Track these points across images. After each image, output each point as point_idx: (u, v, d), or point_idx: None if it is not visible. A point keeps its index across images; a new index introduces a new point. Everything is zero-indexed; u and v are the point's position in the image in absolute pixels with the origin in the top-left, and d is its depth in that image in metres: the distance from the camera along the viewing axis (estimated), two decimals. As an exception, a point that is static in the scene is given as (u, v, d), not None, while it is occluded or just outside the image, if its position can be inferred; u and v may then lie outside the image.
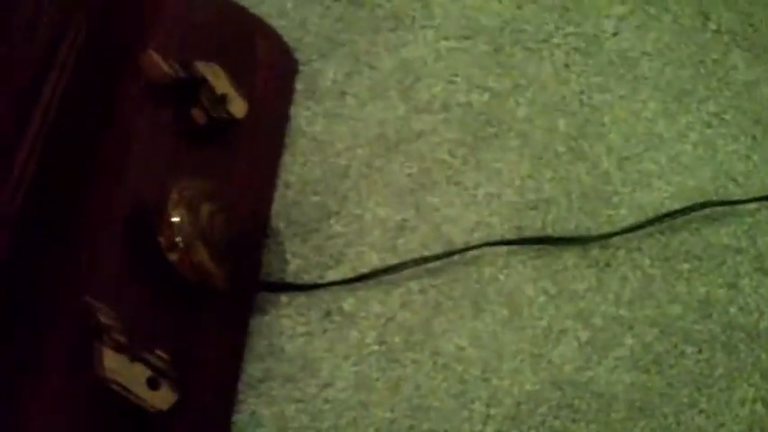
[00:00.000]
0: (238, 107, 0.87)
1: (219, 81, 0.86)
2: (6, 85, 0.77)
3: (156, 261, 0.77)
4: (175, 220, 0.76)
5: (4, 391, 0.69)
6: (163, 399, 0.72)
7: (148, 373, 0.72)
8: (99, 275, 0.74)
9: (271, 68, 0.95)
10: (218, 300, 0.83)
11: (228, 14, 0.94)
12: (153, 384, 0.72)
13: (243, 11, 0.96)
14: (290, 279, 0.88)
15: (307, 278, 0.88)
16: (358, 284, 0.87)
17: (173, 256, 0.77)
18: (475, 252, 0.88)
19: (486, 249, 0.88)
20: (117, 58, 0.86)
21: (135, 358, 0.71)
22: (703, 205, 0.88)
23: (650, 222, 0.88)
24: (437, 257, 0.88)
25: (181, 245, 0.76)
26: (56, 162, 0.81)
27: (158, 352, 0.73)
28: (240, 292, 0.86)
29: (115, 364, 0.70)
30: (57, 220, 0.78)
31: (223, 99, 0.86)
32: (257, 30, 0.96)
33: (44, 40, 0.81)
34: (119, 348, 0.70)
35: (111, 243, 0.76)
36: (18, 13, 0.78)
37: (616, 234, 0.87)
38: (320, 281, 0.88)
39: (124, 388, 0.70)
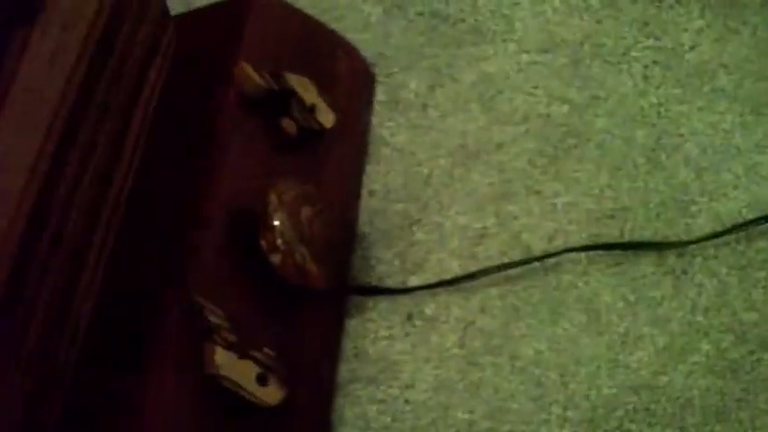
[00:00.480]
0: (327, 117, 0.90)
1: (308, 92, 0.90)
2: (106, 101, 0.80)
3: (258, 263, 0.80)
4: (276, 223, 0.79)
5: (119, 391, 0.72)
6: (272, 395, 0.75)
7: (257, 369, 0.75)
8: (203, 278, 0.77)
9: (351, 81, 0.98)
10: (318, 301, 0.86)
11: (310, 30, 0.98)
12: (262, 381, 0.75)
13: (323, 26, 0.99)
14: (374, 284, 0.91)
15: (390, 283, 0.91)
16: (439, 290, 0.90)
17: (275, 258, 0.79)
18: (553, 259, 0.90)
19: (565, 256, 0.90)
20: (209, 72, 0.90)
21: (244, 356, 0.74)
22: (781, 215, 0.89)
23: (729, 231, 0.89)
24: (517, 264, 0.90)
25: (282, 247, 0.79)
26: (156, 172, 0.84)
27: (266, 350, 0.76)
28: (338, 294, 0.89)
29: (226, 361, 0.73)
30: (161, 226, 0.81)
31: (312, 109, 0.89)
32: (337, 44, 0.99)
33: (138, 55, 0.85)
34: (228, 346, 0.73)
35: (213, 246, 0.79)
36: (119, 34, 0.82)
37: (694, 242, 0.88)
38: (403, 286, 0.90)
39: (235, 384, 0.73)
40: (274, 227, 0.79)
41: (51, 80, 0.72)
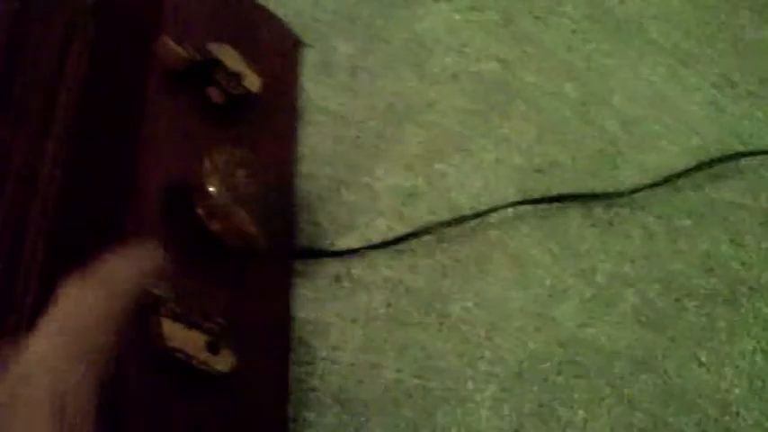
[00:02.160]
0: (253, 82, 0.89)
1: (232, 60, 0.89)
2: (28, 81, 0.80)
3: (199, 232, 0.79)
4: (212, 189, 0.79)
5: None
6: (224, 362, 0.75)
7: (206, 338, 0.75)
8: None
9: (275, 48, 0.98)
10: (263, 264, 0.85)
11: (232, 1, 0.97)
12: (213, 349, 0.75)
13: (241, -5, 0.99)
14: (304, 246, 0.91)
15: (319, 245, 0.91)
16: (367, 250, 0.90)
17: (214, 225, 0.79)
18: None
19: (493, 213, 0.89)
20: (131, 50, 0.90)
21: (192, 325, 0.74)
22: (710, 164, 0.88)
23: (659, 183, 0.88)
24: (446, 224, 0.90)
25: (220, 212, 0.78)
26: (86, 156, 0.84)
27: (214, 318, 0.75)
28: (282, 256, 0.89)
29: (174, 333, 0.72)
30: (96, 208, 0.81)
31: (238, 76, 0.88)
32: (257, 13, 0.99)
33: (56, 37, 0.84)
34: (174, 317, 0.73)
35: (152, 220, 0.79)
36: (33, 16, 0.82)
37: (621, 194, 0.88)
38: (331, 248, 0.90)
39: (186, 354, 0.73)
40: (210, 192, 0.78)
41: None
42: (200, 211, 0.79)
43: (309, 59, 1.00)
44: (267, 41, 0.98)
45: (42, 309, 0.75)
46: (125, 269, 0.53)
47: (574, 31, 0.97)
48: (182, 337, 0.73)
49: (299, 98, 0.98)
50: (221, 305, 0.79)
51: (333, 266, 0.89)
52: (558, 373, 0.83)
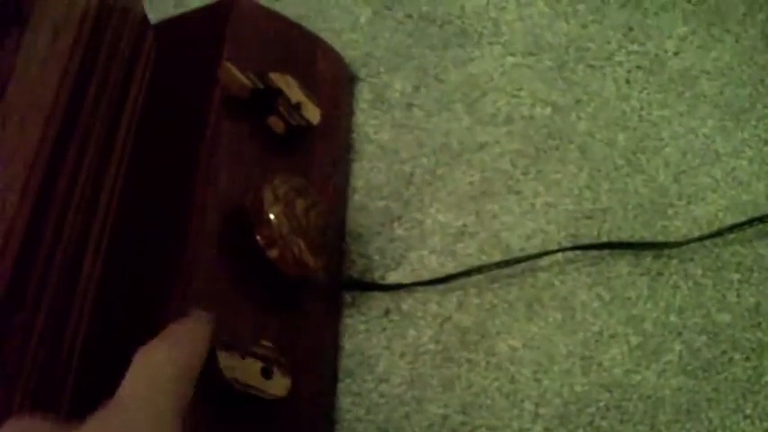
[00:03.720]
0: (313, 114, 0.91)
1: (293, 90, 0.91)
2: (94, 107, 0.81)
3: (255, 260, 0.80)
4: (272, 217, 0.80)
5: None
6: (279, 386, 0.76)
7: (260, 364, 0.75)
8: (199, 281, 0.78)
9: (331, 81, 0.99)
10: (317, 294, 0.87)
11: (289, 32, 0.99)
12: (266, 374, 0.76)
13: (302, 28, 1.00)
14: (354, 278, 0.92)
15: (369, 278, 0.92)
16: (417, 286, 0.91)
17: (272, 253, 0.80)
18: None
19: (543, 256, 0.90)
20: (193, 75, 0.91)
21: (245, 354, 0.75)
22: (761, 219, 0.89)
23: (708, 236, 0.89)
24: (496, 266, 0.91)
25: (279, 240, 0.79)
26: (145, 178, 0.85)
27: (263, 342, 0.76)
28: (334, 286, 0.90)
29: (230, 364, 0.73)
30: (154, 234, 0.82)
31: (298, 107, 0.90)
32: (316, 45, 1.01)
33: (121, 62, 0.86)
34: (228, 347, 0.74)
35: (211, 246, 0.80)
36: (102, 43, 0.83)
37: (671, 245, 0.89)
38: (381, 281, 0.91)
39: (242, 384, 0.74)
40: (270, 220, 0.79)
41: (44, 86, 0.73)
42: (259, 238, 0.80)
43: (363, 94, 1.02)
44: (324, 73, 0.99)
45: (103, 336, 0.76)
46: (191, 334, 0.57)
47: (627, 81, 0.99)
48: (237, 367, 0.74)
49: (352, 132, 0.99)
50: (275, 332, 0.80)
51: (382, 300, 0.90)
52: (603, 418, 0.83)
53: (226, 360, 0.73)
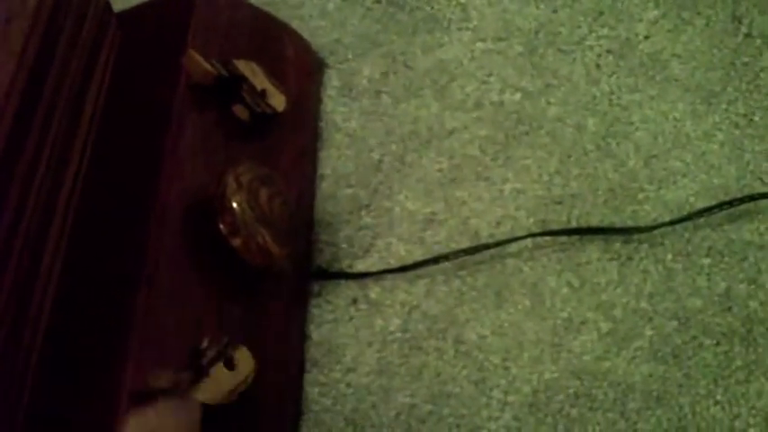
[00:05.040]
0: (278, 101, 0.90)
1: (257, 77, 0.90)
2: (54, 95, 0.80)
3: (219, 249, 0.79)
4: (235, 205, 0.78)
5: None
6: (245, 365, 0.75)
7: (221, 364, 0.74)
8: (163, 269, 0.76)
9: (298, 68, 0.98)
10: (281, 283, 0.85)
11: (255, 19, 0.98)
12: (230, 366, 0.75)
13: (268, 15, 0.99)
14: (322, 267, 0.91)
15: (337, 267, 0.91)
16: (385, 274, 0.90)
17: (235, 242, 0.79)
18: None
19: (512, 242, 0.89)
20: (157, 63, 0.90)
21: (206, 372, 0.73)
22: (731, 203, 0.88)
23: (679, 220, 0.88)
24: (465, 252, 0.90)
25: (242, 229, 0.78)
26: (109, 165, 0.84)
27: (206, 340, 0.75)
28: (300, 275, 0.89)
29: (207, 392, 0.72)
30: (118, 221, 0.81)
31: (263, 94, 0.88)
32: (283, 32, 0.99)
33: (83, 51, 0.84)
34: (195, 382, 0.72)
35: (174, 234, 0.79)
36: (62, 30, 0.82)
37: (641, 229, 0.88)
38: (349, 270, 0.90)
39: (225, 396, 0.73)
40: (233, 209, 0.78)
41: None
42: (222, 227, 0.79)
43: (332, 81, 1.00)
44: (291, 61, 0.98)
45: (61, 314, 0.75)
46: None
47: (597, 66, 0.98)
48: (213, 385, 0.72)
49: (320, 119, 0.98)
50: (238, 321, 0.79)
51: (350, 289, 0.89)
52: (573, 405, 0.82)
53: (203, 394, 0.72)
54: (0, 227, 0.70)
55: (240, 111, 0.87)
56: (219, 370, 0.73)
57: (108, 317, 0.75)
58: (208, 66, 0.86)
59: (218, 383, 0.73)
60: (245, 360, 0.75)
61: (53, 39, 0.80)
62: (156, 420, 0.68)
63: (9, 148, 0.71)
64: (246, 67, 0.89)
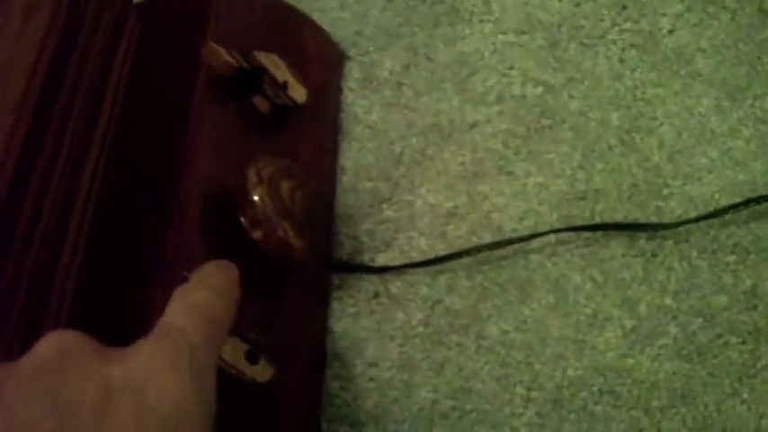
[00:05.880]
0: (299, 93, 0.89)
1: (278, 69, 0.89)
2: (75, 84, 0.79)
3: (239, 242, 0.78)
4: (256, 198, 0.78)
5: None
6: (262, 372, 0.74)
7: (245, 347, 0.74)
8: (185, 264, 0.76)
9: (319, 60, 0.97)
10: (303, 277, 0.85)
11: (275, 10, 0.97)
12: (252, 359, 0.74)
13: (289, 6, 0.98)
14: (343, 261, 0.90)
15: (358, 260, 0.90)
16: (406, 268, 0.89)
17: (256, 234, 0.78)
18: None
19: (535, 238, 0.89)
20: (177, 56, 0.89)
21: (233, 333, 0.73)
22: (758, 200, 0.88)
23: (704, 217, 0.88)
24: (487, 247, 0.89)
25: (264, 222, 0.77)
26: (128, 158, 0.83)
27: (254, 328, 0.74)
28: (322, 269, 0.89)
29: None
30: (137, 213, 0.80)
31: (284, 86, 0.88)
32: (303, 24, 0.99)
33: (102, 43, 0.84)
34: None
35: (194, 227, 0.78)
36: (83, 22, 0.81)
37: (666, 226, 0.87)
38: (370, 264, 0.90)
39: (227, 363, 0.72)
40: (254, 202, 0.77)
41: (16, 67, 0.71)
42: (243, 220, 0.78)
43: (352, 73, 1.00)
44: (312, 53, 0.98)
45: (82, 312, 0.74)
46: (223, 281, 0.61)
47: (621, 60, 0.97)
48: (224, 348, 0.72)
49: (341, 111, 0.97)
50: (260, 315, 0.79)
51: (371, 282, 0.88)
52: (596, 403, 0.82)
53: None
54: (20, 221, 0.69)
55: (261, 103, 0.87)
56: (239, 347, 0.73)
57: (127, 309, 0.75)
58: (228, 57, 0.85)
59: (230, 351, 0.72)
60: (264, 371, 0.75)
61: (73, 31, 0.80)
62: None
63: (28, 142, 0.71)
64: (267, 59, 0.88)
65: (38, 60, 0.74)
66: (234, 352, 0.73)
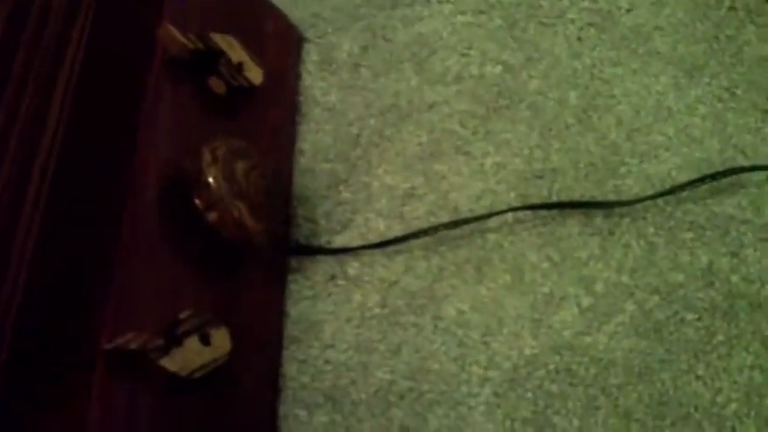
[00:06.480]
0: (255, 74, 0.88)
1: (235, 51, 0.88)
2: (26, 69, 0.78)
3: (196, 224, 0.78)
4: (210, 179, 0.77)
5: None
6: (221, 342, 0.74)
7: (197, 337, 0.73)
8: (139, 245, 0.76)
9: (277, 42, 0.97)
10: (259, 259, 0.84)
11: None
12: (205, 341, 0.74)
13: (245, -14, 0.98)
14: (301, 243, 0.90)
15: (315, 243, 0.90)
16: (364, 249, 0.89)
17: (212, 216, 0.77)
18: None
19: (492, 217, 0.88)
20: (132, 36, 0.88)
21: (178, 341, 0.72)
22: (714, 177, 0.87)
23: (662, 194, 0.87)
24: (445, 227, 0.89)
25: (218, 203, 0.77)
26: (84, 138, 0.83)
27: (183, 313, 0.74)
28: (276, 252, 0.88)
29: (176, 361, 0.71)
30: (92, 194, 0.80)
31: (240, 67, 0.87)
32: (261, 6, 0.98)
33: (57, 21, 0.83)
34: (166, 350, 0.71)
35: (149, 209, 0.78)
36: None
37: (623, 203, 0.87)
38: (327, 245, 0.89)
39: (200, 368, 0.72)
40: (209, 183, 0.77)
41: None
42: (197, 201, 0.77)
43: (311, 55, 0.99)
44: (269, 34, 0.97)
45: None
46: None
47: (579, 39, 0.96)
48: (183, 357, 0.72)
49: (299, 93, 0.97)
50: (214, 297, 0.78)
51: (328, 264, 0.88)
52: (553, 381, 0.82)
53: (172, 363, 0.71)
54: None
55: (217, 84, 0.86)
56: (193, 343, 0.73)
57: (85, 285, 0.74)
58: (184, 39, 0.85)
59: (189, 355, 0.72)
60: (221, 339, 0.74)
61: (24, 9, 0.79)
62: None
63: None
64: (223, 41, 0.88)
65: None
66: (195, 353, 0.73)
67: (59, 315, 0.74)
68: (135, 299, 0.73)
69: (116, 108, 0.84)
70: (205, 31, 0.88)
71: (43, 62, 0.81)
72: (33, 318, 0.74)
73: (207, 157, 0.78)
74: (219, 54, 0.87)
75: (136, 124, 0.81)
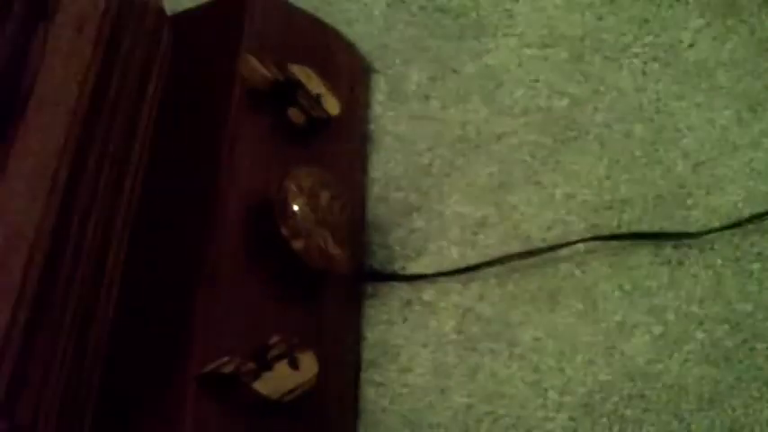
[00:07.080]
0: (332, 105, 0.91)
1: (312, 82, 0.91)
2: (116, 103, 0.81)
3: (279, 252, 0.80)
4: (296, 208, 0.80)
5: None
6: (309, 367, 0.76)
7: (286, 362, 0.75)
8: (224, 274, 0.78)
9: (349, 73, 1.00)
10: (340, 285, 0.87)
11: (306, 24, 0.99)
12: (294, 366, 0.76)
13: (318, 19, 1.01)
14: (375, 269, 0.92)
15: (390, 269, 0.92)
16: (438, 277, 0.91)
17: (297, 244, 0.80)
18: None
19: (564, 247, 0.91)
20: (211, 68, 0.91)
21: (270, 366, 0.75)
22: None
23: (729, 227, 0.90)
24: (517, 256, 0.91)
25: (304, 232, 0.79)
26: (167, 171, 0.85)
27: (274, 338, 0.76)
28: (357, 278, 0.90)
29: (270, 385, 0.74)
30: (177, 228, 0.82)
31: (318, 98, 0.89)
32: (332, 38, 1.01)
33: (140, 56, 0.85)
34: (257, 373, 0.73)
35: (235, 239, 0.80)
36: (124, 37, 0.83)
37: (692, 235, 0.89)
38: (402, 272, 0.92)
39: (286, 393, 0.74)
40: (294, 212, 0.79)
41: (68, 80, 0.73)
42: (283, 230, 0.80)
43: (380, 86, 1.02)
44: (341, 65, 1.00)
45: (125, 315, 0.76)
46: None
47: (644, 73, 0.99)
48: (275, 383, 0.74)
49: (370, 123, 0.99)
50: (296, 324, 0.80)
51: (403, 290, 0.90)
52: (627, 407, 0.84)
53: (263, 386, 0.73)
54: (70, 231, 0.71)
55: (296, 115, 0.89)
56: (283, 367, 0.75)
57: (171, 317, 0.76)
58: (264, 70, 0.87)
59: (280, 380, 0.74)
60: (309, 363, 0.76)
61: (116, 45, 0.81)
62: None
63: (77, 159, 0.72)
64: (301, 72, 0.90)
65: (86, 76, 0.76)
66: (285, 377, 0.75)
67: (149, 345, 0.76)
68: (223, 325, 0.75)
69: (198, 138, 0.87)
70: (282, 62, 0.90)
71: (129, 96, 0.83)
72: (124, 349, 0.76)
73: (292, 186, 0.81)
74: (298, 85, 0.89)
75: (218, 155, 0.83)
